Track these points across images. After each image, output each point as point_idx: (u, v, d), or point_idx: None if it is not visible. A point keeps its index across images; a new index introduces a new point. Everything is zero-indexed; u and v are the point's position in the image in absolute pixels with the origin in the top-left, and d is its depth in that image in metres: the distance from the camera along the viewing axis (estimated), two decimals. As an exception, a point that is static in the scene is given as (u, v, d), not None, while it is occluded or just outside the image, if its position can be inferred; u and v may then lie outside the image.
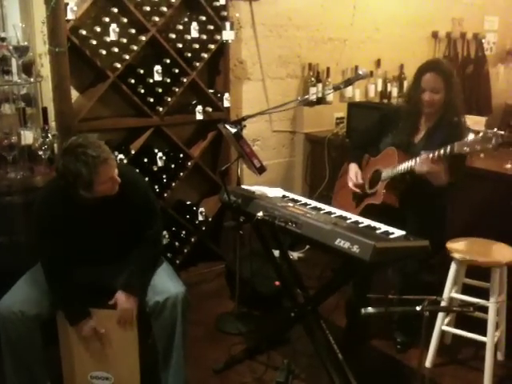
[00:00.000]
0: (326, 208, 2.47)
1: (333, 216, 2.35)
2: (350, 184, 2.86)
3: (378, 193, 2.70)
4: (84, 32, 3.04)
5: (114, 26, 3.10)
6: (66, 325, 2.33)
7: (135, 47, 3.22)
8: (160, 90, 3.37)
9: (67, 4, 2.93)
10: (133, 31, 3.22)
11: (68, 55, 2.96)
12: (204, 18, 3.48)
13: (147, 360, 2.44)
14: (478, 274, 2.74)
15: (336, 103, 4.41)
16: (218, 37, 3.54)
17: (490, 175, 3.08)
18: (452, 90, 2.63)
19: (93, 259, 2.40)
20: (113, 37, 3.11)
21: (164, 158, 3.47)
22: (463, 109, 2.72)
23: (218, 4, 3.49)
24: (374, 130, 2.89)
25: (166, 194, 3.52)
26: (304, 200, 2.61)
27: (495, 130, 2.20)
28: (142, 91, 3.30)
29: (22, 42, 2.79)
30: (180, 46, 3.40)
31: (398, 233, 2.15)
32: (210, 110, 3.62)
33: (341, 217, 2.34)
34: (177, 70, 3.42)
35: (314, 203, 2.55)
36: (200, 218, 3.71)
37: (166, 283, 2.36)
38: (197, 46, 3.45)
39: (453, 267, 2.71)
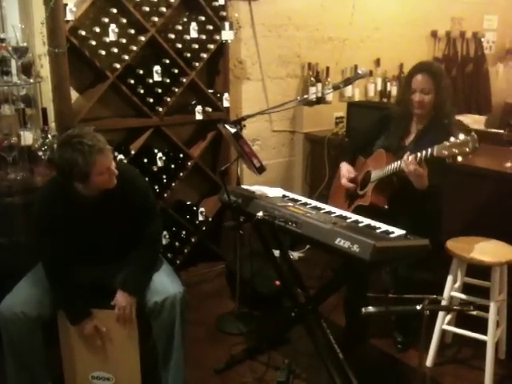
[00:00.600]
0: (326, 207, 2.48)
1: (333, 215, 2.35)
2: (343, 181, 2.88)
3: (367, 194, 2.72)
4: (83, 32, 3.04)
5: (113, 27, 3.10)
6: (67, 325, 2.34)
7: (134, 47, 3.22)
8: (159, 91, 3.37)
9: (66, 5, 2.93)
10: (132, 31, 3.22)
11: (67, 56, 2.96)
12: (203, 18, 3.48)
13: (148, 360, 2.44)
14: (478, 272, 2.74)
15: (335, 103, 4.41)
16: (218, 37, 3.54)
17: (491, 174, 3.08)
18: (442, 91, 2.64)
19: (92, 259, 2.40)
20: (112, 37, 3.11)
21: (164, 158, 3.47)
22: (453, 111, 2.74)
23: (217, 4, 3.49)
24: (371, 132, 2.91)
25: (165, 194, 3.52)
26: (304, 200, 2.61)
27: (473, 133, 2.21)
28: (142, 91, 3.30)
29: (21, 42, 2.79)
30: (179, 46, 3.40)
31: (398, 232, 2.15)
32: (210, 110, 3.62)
33: (341, 216, 2.35)
34: (176, 71, 3.42)
35: (313, 203, 2.55)
36: (200, 218, 3.71)
37: (164, 283, 2.35)
38: (196, 46, 3.46)
39: (453, 266, 2.71)
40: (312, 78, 4.25)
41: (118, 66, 3.16)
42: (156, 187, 3.44)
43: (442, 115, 2.67)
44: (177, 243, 3.66)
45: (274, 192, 2.68)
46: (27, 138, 2.90)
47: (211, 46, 3.54)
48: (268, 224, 2.38)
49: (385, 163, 2.65)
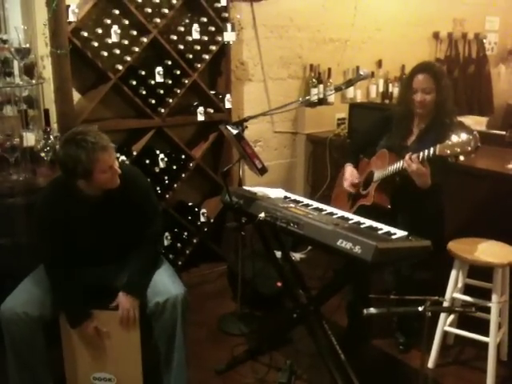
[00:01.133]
0: (328, 209, 2.48)
1: (334, 217, 2.35)
2: (346, 184, 2.88)
3: (370, 194, 2.73)
4: (85, 34, 3.04)
5: (115, 28, 3.11)
6: (69, 326, 2.34)
7: (137, 49, 3.22)
8: (161, 92, 3.38)
9: (69, 6, 2.94)
10: (134, 33, 3.22)
11: (69, 57, 2.97)
12: (205, 20, 3.49)
13: (149, 361, 2.44)
14: (480, 274, 2.73)
15: (337, 104, 4.41)
16: (220, 38, 3.54)
17: (492, 175, 3.08)
18: (443, 91, 2.65)
19: (93, 259, 2.40)
20: (114, 38, 3.12)
21: (166, 159, 3.48)
22: (455, 110, 2.74)
23: (219, 5, 3.50)
24: (374, 133, 2.91)
25: (167, 195, 3.52)
26: (306, 201, 2.61)
27: (475, 132, 2.21)
28: (144, 92, 3.30)
29: (23, 44, 2.79)
30: (181, 47, 3.40)
31: (399, 233, 2.15)
32: (212, 111, 3.62)
33: (343, 217, 2.35)
34: (178, 72, 3.42)
35: (315, 204, 2.55)
36: (202, 219, 3.72)
37: (166, 284, 2.35)
38: (198, 47, 3.46)
39: (455, 267, 2.71)
40: (314, 79, 4.25)
41: (120, 67, 3.16)
42: (158, 188, 3.44)
43: (443, 115, 2.67)
44: (178, 244, 3.66)
45: (276, 193, 2.68)
46: (29, 139, 2.90)
47: (213, 48, 3.54)
48: (270, 225, 2.38)
49: (387, 163, 2.66)
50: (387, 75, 4.74)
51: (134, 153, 3.33)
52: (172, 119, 3.50)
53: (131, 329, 2.35)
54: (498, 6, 5.53)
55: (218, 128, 3.26)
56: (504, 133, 3.86)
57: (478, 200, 3.16)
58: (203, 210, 3.73)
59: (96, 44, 3.07)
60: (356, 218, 2.33)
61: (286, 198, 2.66)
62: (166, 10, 3.29)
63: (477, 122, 4.41)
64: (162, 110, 3.40)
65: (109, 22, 3.10)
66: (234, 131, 2.65)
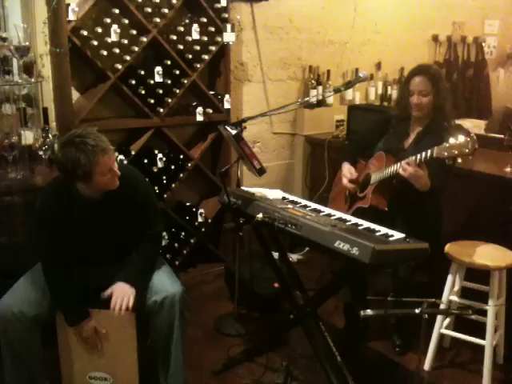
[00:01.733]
0: (326, 210, 2.48)
1: (332, 218, 2.35)
2: (344, 181, 2.87)
3: (367, 196, 2.73)
4: (85, 33, 3.04)
5: (115, 27, 3.11)
6: (65, 325, 2.33)
7: (136, 48, 3.22)
8: (160, 91, 3.37)
9: (68, 5, 2.94)
10: (134, 32, 3.22)
11: (69, 56, 2.97)
12: (205, 20, 3.49)
13: (146, 360, 2.43)
14: (477, 277, 2.74)
15: (336, 106, 4.41)
16: (219, 39, 3.55)
17: (490, 178, 3.08)
18: (441, 93, 2.66)
19: (93, 259, 2.40)
20: (114, 38, 3.12)
21: (164, 159, 3.48)
22: (453, 113, 2.75)
23: (219, 6, 3.50)
24: (371, 134, 2.92)
25: (165, 196, 3.52)
26: (304, 202, 2.61)
27: (472, 134, 2.21)
28: (143, 92, 3.30)
29: (23, 42, 2.79)
30: (181, 47, 3.41)
31: (397, 235, 2.15)
32: (211, 111, 3.62)
33: (340, 219, 2.35)
34: (177, 72, 3.42)
35: (313, 205, 2.55)
36: (200, 219, 3.72)
37: (164, 283, 2.35)
38: (198, 47, 3.46)
39: (452, 270, 2.71)
40: (313, 81, 4.25)
41: (119, 66, 3.16)
42: (156, 188, 3.43)
43: (440, 117, 2.68)
44: (176, 244, 3.66)
45: (274, 194, 2.68)
46: (28, 137, 2.90)
47: (213, 48, 3.54)
48: (267, 226, 2.37)
49: (385, 165, 2.66)
50: (386, 77, 4.74)
51: (133, 152, 3.33)
52: (171, 119, 3.50)
53: (127, 327, 2.34)
54: (498, 10, 5.54)
55: (217, 128, 3.26)
56: (502, 136, 3.86)
57: (475, 203, 3.16)
58: (201, 211, 3.73)
59: (95, 43, 3.07)
60: (354, 220, 2.33)
61: (284, 198, 2.66)
62: (166, 10, 3.29)
63: (475, 126, 4.41)
64: (161, 110, 3.40)
65: (108, 21, 3.10)
66: (233, 132, 2.65)
